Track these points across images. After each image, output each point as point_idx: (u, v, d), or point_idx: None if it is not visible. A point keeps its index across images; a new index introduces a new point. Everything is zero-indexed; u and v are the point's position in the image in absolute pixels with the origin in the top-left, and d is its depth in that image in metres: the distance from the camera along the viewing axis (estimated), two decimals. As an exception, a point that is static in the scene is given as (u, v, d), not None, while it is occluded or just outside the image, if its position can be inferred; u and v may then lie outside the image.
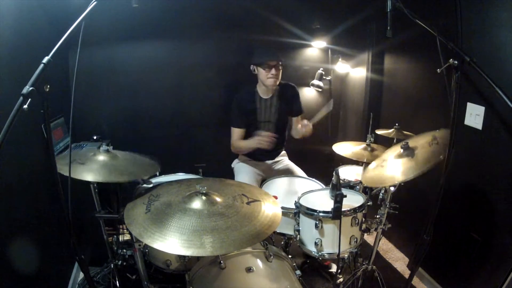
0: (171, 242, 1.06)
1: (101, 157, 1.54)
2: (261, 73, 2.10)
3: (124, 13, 2.17)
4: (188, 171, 2.03)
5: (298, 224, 1.59)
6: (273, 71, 2.06)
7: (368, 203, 1.59)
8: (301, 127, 2.13)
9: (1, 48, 1.40)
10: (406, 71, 2.40)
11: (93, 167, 1.46)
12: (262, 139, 2.06)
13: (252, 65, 2.16)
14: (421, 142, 1.55)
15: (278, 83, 2.15)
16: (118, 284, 1.82)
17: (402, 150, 1.56)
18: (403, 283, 2.02)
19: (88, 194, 1.62)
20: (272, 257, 1.44)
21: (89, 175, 1.41)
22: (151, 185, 1.48)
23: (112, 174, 1.44)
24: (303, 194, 1.68)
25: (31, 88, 0.89)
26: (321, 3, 2.54)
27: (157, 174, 1.92)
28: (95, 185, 1.63)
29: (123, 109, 2.63)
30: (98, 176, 1.42)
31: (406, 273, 2.24)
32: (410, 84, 2.34)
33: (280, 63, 2.09)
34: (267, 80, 2.09)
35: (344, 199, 1.32)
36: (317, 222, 1.48)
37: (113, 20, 2.19)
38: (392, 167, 1.53)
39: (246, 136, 2.25)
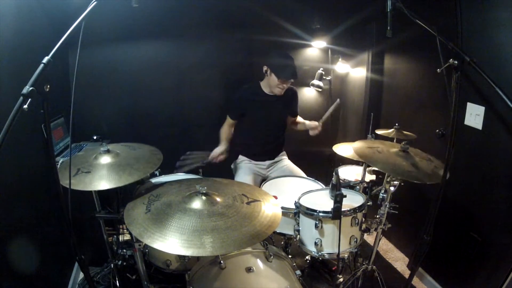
0: (171, 242, 1.06)
1: (104, 160, 1.49)
2: (273, 80, 2.11)
3: (124, 13, 2.17)
4: (188, 171, 2.03)
5: (298, 224, 1.59)
6: (285, 84, 2.13)
7: (368, 203, 1.59)
8: (311, 130, 2.28)
9: (1, 48, 1.40)
10: (406, 71, 2.40)
11: (101, 173, 1.40)
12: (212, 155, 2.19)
13: (266, 66, 2.15)
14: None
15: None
16: (118, 284, 1.82)
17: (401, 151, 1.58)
18: (403, 283, 2.02)
19: (88, 194, 1.62)
20: (272, 257, 1.44)
21: (100, 183, 1.35)
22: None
23: (122, 177, 1.39)
24: (303, 194, 1.68)
25: (31, 88, 0.89)
26: (321, 3, 2.54)
27: (157, 174, 1.92)
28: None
29: (123, 109, 2.63)
30: (111, 182, 1.36)
31: (406, 273, 2.24)
32: (410, 84, 2.34)
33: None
34: (276, 87, 2.14)
35: (344, 199, 1.32)
36: (317, 222, 1.48)
37: (113, 20, 2.19)
38: (388, 159, 1.58)
39: (241, 130, 2.31)
